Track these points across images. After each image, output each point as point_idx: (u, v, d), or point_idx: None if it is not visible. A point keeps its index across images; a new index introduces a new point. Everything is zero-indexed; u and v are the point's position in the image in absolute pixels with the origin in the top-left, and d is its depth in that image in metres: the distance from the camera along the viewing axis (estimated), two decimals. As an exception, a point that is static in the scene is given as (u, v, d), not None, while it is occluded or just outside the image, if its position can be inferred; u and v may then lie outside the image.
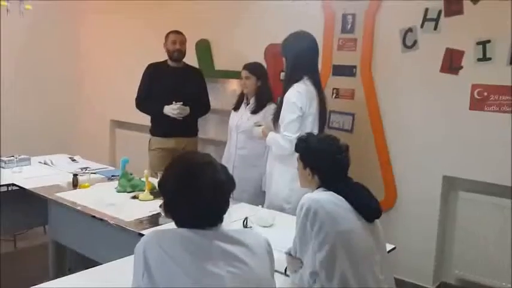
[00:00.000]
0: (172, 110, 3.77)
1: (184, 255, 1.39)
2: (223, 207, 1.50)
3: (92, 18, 5.50)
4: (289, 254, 1.90)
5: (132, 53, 4.95)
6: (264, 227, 2.50)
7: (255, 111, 3.46)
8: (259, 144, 3.34)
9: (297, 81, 2.91)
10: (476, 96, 3.16)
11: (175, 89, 3.85)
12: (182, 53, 3.94)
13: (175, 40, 3.89)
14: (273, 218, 2.56)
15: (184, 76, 3.96)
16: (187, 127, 3.94)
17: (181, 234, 1.44)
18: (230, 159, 3.53)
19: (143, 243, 1.43)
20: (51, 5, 5.22)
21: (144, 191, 2.93)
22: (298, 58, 2.93)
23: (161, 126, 3.95)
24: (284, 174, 2.93)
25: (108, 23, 5.31)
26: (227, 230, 1.49)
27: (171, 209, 1.51)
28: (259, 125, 3.24)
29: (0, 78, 4.91)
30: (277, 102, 3.25)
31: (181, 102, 3.77)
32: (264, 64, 3.80)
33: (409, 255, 3.31)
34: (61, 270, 3.10)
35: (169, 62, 3.97)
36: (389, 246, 2.13)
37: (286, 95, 2.91)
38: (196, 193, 1.44)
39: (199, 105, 4.00)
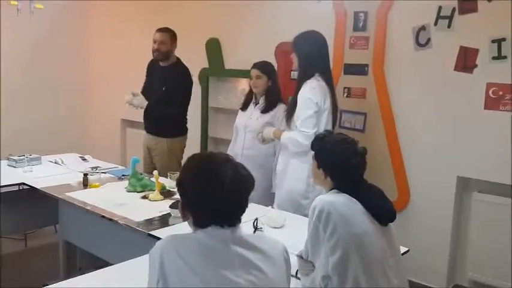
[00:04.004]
0: (132, 99, 3.77)
1: (202, 262, 1.35)
2: (243, 205, 1.46)
3: (102, 18, 5.50)
4: (300, 256, 1.86)
5: (143, 52, 4.91)
6: (275, 228, 2.47)
7: (265, 111, 3.41)
8: (267, 145, 3.31)
9: (309, 78, 2.93)
10: (491, 95, 3.10)
11: (155, 87, 3.83)
12: (161, 53, 3.76)
13: (155, 40, 3.75)
14: (284, 219, 2.52)
15: (167, 75, 3.81)
16: (154, 126, 3.89)
17: (199, 240, 1.40)
18: (236, 159, 3.48)
19: (160, 249, 1.39)
20: (61, 6, 5.23)
21: (154, 190, 2.92)
22: (309, 56, 2.96)
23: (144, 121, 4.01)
24: (301, 170, 2.90)
25: (118, 21, 5.30)
26: (245, 235, 1.45)
27: (190, 208, 1.45)
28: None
29: (11, 78, 4.93)
30: (288, 100, 3.22)
31: (139, 93, 3.79)
32: (274, 63, 3.76)
33: (422, 256, 3.26)
34: (72, 270, 3.10)
35: None
36: (403, 249, 2.09)
37: (300, 92, 2.91)
38: (217, 189, 1.41)
39: (167, 107, 3.73)
